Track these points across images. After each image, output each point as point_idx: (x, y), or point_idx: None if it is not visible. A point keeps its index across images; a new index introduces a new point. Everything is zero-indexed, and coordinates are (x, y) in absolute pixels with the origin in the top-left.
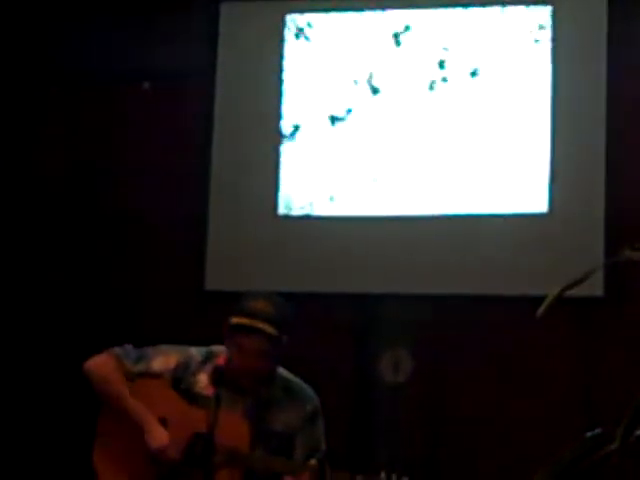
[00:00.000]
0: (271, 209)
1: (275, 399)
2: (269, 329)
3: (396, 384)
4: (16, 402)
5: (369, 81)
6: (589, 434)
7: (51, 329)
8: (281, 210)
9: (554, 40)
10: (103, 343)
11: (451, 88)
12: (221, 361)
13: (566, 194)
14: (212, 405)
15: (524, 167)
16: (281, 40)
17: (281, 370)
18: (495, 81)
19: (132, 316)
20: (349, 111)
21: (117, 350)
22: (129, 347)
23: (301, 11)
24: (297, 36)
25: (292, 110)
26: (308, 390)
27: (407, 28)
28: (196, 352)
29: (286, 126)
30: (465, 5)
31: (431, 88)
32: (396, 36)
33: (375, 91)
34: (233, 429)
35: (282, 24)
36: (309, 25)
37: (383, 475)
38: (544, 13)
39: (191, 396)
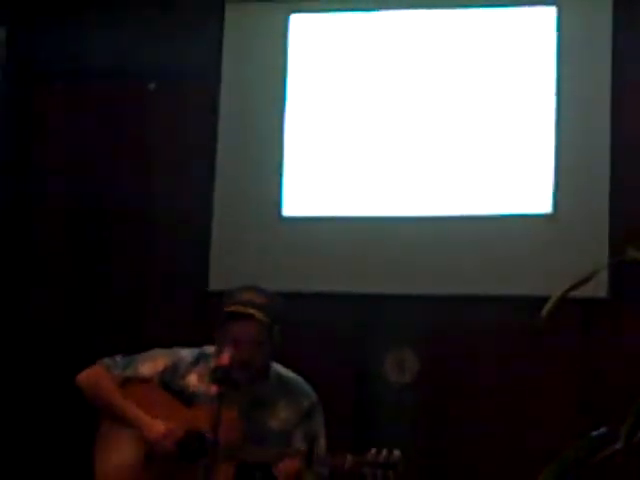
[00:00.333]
0: (275, 210)
1: (270, 396)
2: (261, 315)
3: (402, 384)
4: (17, 403)
5: (372, 81)
6: (593, 433)
7: (52, 329)
8: (285, 211)
9: (558, 41)
10: (106, 343)
11: (455, 88)
12: (224, 360)
13: (570, 195)
14: (209, 403)
15: (528, 168)
16: (285, 40)
17: (277, 367)
18: (499, 81)
19: (135, 316)
20: (352, 112)
21: (106, 360)
22: (118, 357)
23: (306, 11)
24: (301, 36)
25: (296, 110)
26: (304, 386)
27: (411, 29)
28: (187, 353)
29: (290, 126)
30: (469, 5)
31: (434, 89)
32: (401, 36)
33: (378, 91)
34: (226, 426)
35: (286, 24)
36: (313, 25)
37: (373, 451)
38: (549, 14)
39: (184, 396)
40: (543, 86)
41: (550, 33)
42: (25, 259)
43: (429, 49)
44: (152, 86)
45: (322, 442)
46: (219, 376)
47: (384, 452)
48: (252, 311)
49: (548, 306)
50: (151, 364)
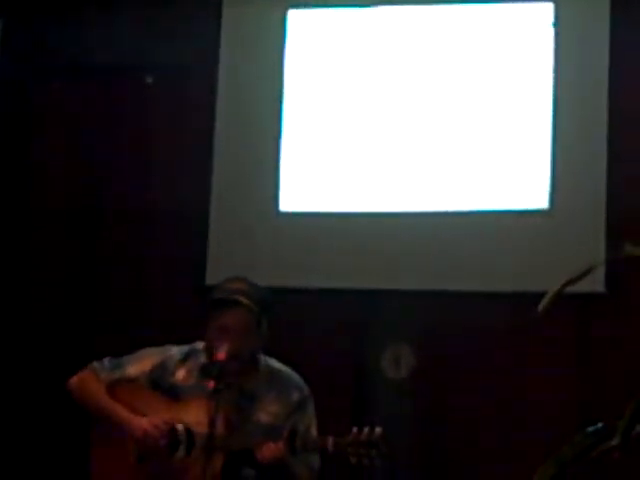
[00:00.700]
0: (272, 205)
1: (260, 390)
2: (248, 302)
3: (398, 380)
4: (17, 404)
5: (369, 76)
6: (590, 429)
7: (52, 329)
8: (282, 206)
9: (556, 36)
10: (103, 338)
11: (452, 84)
12: (220, 356)
13: (567, 190)
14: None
15: (525, 163)
16: (283, 36)
17: (267, 359)
18: (496, 77)
19: (133, 311)
20: (350, 107)
21: (94, 364)
22: (106, 360)
23: (303, 7)
24: (299, 32)
25: (293, 106)
26: (295, 378)
27: (408, 24)
28: (177, 351)
29: (287, 122)
30: (466, 1)
31: (432, 84)
32: (398, 32)
33: (376, 87)
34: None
35: (284, 20)
36: (311, 21)
37: (355, 430)
38: (546, 9)
39: (173, 393)
40: (540, 82)
41: (547, 29)
42: (24, 258)
43: (427, 45)
44: (149, 79)
45: (313, 433)
46: (215, 371)
47: (366, 431)
48: (239, 298)
49: (545, 301)
50: (139, 365)
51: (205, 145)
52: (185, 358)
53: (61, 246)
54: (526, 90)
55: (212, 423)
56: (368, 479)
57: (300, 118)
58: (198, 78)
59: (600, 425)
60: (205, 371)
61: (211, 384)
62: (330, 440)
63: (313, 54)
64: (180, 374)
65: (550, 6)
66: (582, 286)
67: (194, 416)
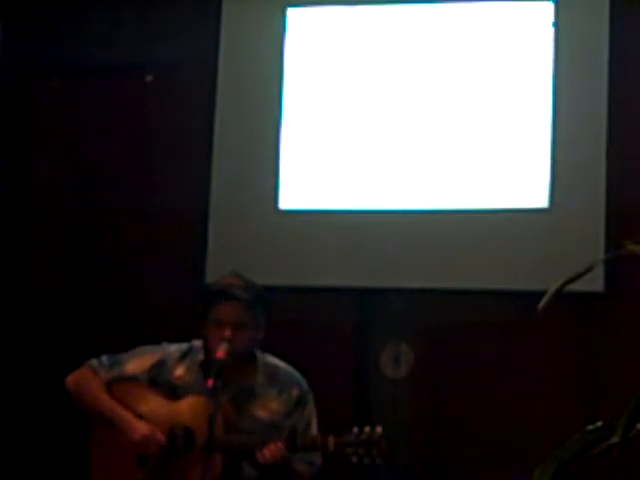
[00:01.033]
0: (271, 203)
1: (259, 387)
2: (244, 295)
3: (397, 378)
4: (17, 404)
5: (369, 74)
6: (589, 427)
7: (52, 326)
8: (281, 204)
9: (556, 35)
10: (104, 337)
11: (451, 82)
12: (220, 354)
13: (567, 189)
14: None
15: (524, 162)
16: (282, 34)
17: (265, 356)
18: (496, 76)
19: (133, 309)
20: (349, 105)
21: (92, 362)
22: (104, 357)
23: (303, 5)
24: (298, 30)
25: (293, 104)
26: (294, 375)
27: (408, 22)
28: (175, 349)
29: (287, 120)
30: (466, 0)
31: (432, 82)
32: (398, 30)
33: (376, 85)
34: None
35: (283, 18)
36: (310, 19)
37: (355, 430)
38: (547, 9)
39: (171, 391)
40: (540, 80)
41: (547, 27)
42: (24, 259)
43: (426, 43)
44: (149, 78)
45: (314, 430)
46: (215, 370)
47: (366, 430)
48: (235, 291)
49: (544, 300)
50: (137, 362)
51: (205, 143)
52: (183, 356)
53: (61, 246)
54: (526, 89)
55: (211, 422)
56: (369, 478)
57: (299, 116)
58: (198, 77)
59: (600, 424)
60: (204, 369)
61: (210, 382)
62: (331, 439)
63: (313, 52)
64: (179, 372)
65: (550, 5)
66: (581, 285)
67: (193, 414)
